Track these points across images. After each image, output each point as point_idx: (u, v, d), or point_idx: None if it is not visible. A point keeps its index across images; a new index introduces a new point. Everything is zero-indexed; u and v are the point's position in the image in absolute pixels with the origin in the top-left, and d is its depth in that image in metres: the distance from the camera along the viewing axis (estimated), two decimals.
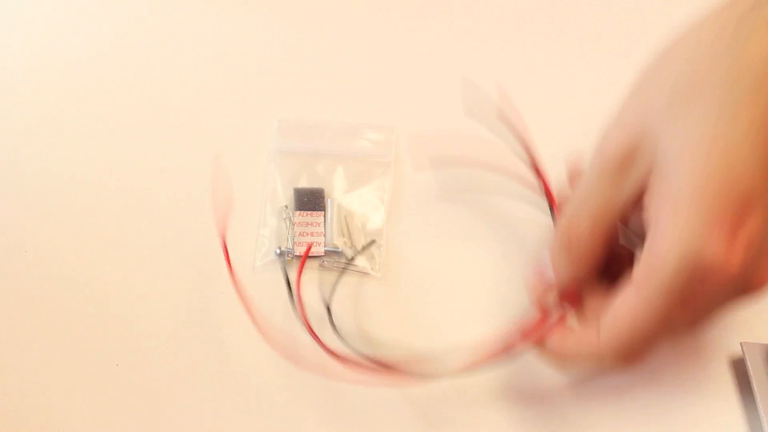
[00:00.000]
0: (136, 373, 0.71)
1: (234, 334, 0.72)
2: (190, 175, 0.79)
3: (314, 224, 0.75)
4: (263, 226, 0.75)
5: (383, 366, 0.66)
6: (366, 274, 0.74)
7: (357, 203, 0.76)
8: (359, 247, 0.75)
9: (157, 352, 0.72)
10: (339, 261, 0.74)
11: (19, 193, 0.78)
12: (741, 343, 0.69)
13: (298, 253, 0.74)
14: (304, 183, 0.77)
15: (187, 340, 0.72)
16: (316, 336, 0.68)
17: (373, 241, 0.74)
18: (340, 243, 0.74)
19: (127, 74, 0.83)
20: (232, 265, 0.73)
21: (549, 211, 0.72)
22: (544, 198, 0.73)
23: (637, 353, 0.60)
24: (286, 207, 0.76)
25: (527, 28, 0.84)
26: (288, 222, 0.75)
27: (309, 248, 0.73)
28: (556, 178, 0.73)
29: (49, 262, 0.76)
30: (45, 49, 0.84)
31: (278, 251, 0.74)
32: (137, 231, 0.76)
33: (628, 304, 0.59)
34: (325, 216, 0.75)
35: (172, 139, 0.80)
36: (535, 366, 0.69)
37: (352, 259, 0.74)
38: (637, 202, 0.61)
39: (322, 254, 0.74)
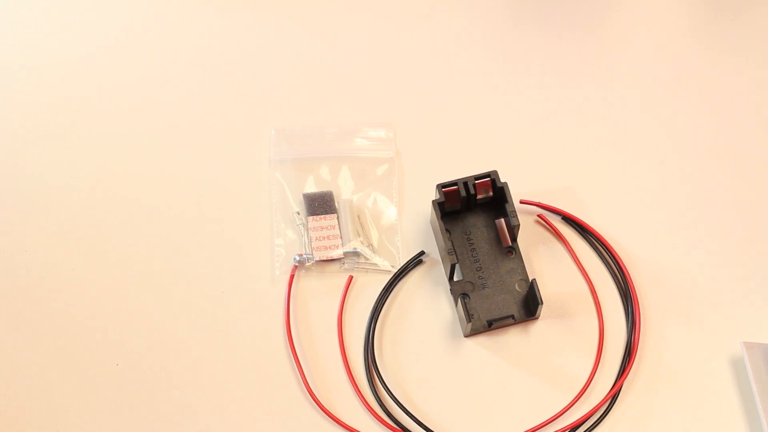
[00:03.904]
0: (136, 373, 0.72)
1: (233, 336, 0.73)
2: (190, 180, 0.78)
3: (329, 227, 0.75)
4: (277, 235, 0.75)
5: None
6: (387, 271, 0.74)
7: (367, 201, 0.77)
8: (376, 244, 0.75)
9: (157, 352, 0.72)
10: (358, 261, 0.75)
11: (19, 193, 0.78)
12: (741, 343, 0.70)
13: (317, 259, 0.74)
14: (312, 187, 0.77)
15: (187, 341, 0.73)
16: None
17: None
18: (356, 243, 0.74)
19: (123, 79, 0.83)
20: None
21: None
22: None
23: None
24: (299, 213, 0.76)
25: (526, 27, 0.84)
26: (303, 228, 0.75)
27: (294, 271, 0.74)
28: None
29: (49, 262, 0.75)
30: (46, 55, 0.83)
31: (297, 258, 0.74)
32: (137, 232, 0.76)
33: None
34: (338, 218, 0.75)
35: (171, 142, 0.80)
36: None
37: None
38: None
39: (341, 257, 0.74)
